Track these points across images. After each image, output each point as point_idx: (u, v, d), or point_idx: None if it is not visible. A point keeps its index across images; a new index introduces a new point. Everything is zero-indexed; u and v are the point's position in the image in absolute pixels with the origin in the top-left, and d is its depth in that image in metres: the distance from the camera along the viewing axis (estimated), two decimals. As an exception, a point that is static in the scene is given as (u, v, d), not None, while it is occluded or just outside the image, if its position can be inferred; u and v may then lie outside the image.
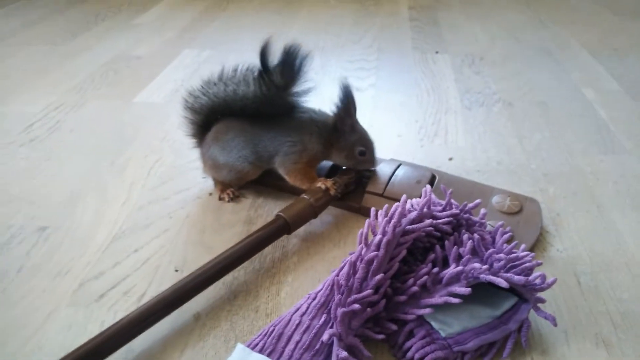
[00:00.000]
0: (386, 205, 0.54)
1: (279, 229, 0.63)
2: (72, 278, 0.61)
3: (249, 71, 0.69)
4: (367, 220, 0.53)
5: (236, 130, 0.70)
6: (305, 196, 0.67)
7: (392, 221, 0.51)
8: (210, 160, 0.72)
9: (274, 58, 0.66)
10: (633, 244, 0.65)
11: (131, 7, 1.67)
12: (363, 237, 0.52)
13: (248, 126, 0.70)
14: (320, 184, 0.68)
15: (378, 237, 0.51)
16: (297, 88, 0.68)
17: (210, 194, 0.76)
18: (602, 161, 0.82)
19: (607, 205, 0.72)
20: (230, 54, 1.28)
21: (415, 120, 0.97)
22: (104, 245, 0.66)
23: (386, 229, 0.51)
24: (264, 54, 0.66)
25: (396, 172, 0.72)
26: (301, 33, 1.43)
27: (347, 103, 0.67)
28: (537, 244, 0.65)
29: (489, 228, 0.64)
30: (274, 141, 0.69)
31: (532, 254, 0.52)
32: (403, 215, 0.53)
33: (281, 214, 0.64)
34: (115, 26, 1.51)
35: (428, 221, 0.54)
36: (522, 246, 0.55)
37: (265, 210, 0.72)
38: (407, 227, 0.52)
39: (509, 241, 0.60)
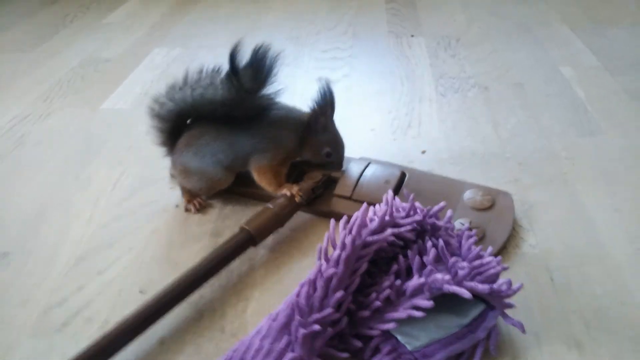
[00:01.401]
0: (344, 217, 0.53)
1: (244, 242, 0.61)
2: (33, 306, 0.59)
3: (215, 73, 0.67)
4: (327, 234, 0.52)
5: (212, 135, 0.68)
6: (270, 205, 0.65)
7: (351, 234, 0.50)
8: (180, 166, 0.70)
9: (243, 60, 0.64)
10: (606, 235, 0.63)
11: (101, 5, 1.62)
12: (322, 253, 0.50)
13: (224, 129, 0.68)
14: (285, 191, 0.66)
15: (337, 252, 0.49)
16: (267, 90, 0.66)
17: (177, 206, 0.74)
18: (578, 144, 0.80)
19: (581, 193, 0.70)
20: (201, 51, 1.25)
21: (389, 111, 0.94)
22: (66, 268, 0.64)
23: (345, 242, 0.50)
24: (233, 57, 0.64)
25: (364, 172, 0.70)
26: (276, 23, 1.40)
27: (325, 102, 0.67)
28: (510, 240, 0.63)
29: (458, 227, 0.62)
30: (252, 139, 0.67)
31: (499, 259, 0.50)
32: (363, 225, 0.51)
33: (245, 226, 0.62)
34: (84, 27, 1.47)
35: (389, 231, 0.52)
36: (489, 249, 0.53)
37: (232, 221, 0.70)
38: (368, 238, 0.51)
39: (477, 243, 0.58)
